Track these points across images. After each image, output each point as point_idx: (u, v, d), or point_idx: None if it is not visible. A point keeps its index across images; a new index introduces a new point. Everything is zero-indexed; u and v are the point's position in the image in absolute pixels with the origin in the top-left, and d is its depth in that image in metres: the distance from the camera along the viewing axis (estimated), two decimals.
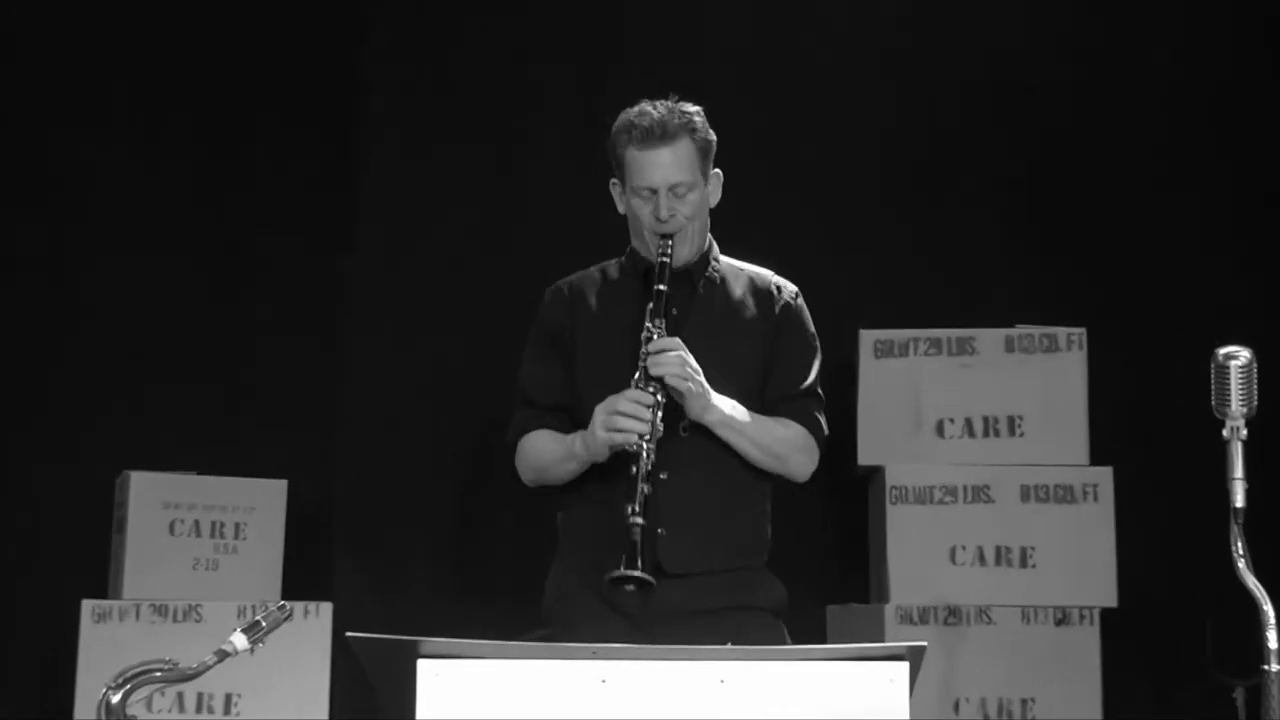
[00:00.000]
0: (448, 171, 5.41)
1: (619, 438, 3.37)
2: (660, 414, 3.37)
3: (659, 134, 3.48)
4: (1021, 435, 4.94)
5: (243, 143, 5.45)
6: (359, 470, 5.31)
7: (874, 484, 5.09)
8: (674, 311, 3.49)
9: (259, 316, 5.42)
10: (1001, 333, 4.99)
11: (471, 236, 5.39)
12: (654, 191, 3.50)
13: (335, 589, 5.10)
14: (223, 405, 5.37)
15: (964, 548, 4.87)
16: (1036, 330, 4.97)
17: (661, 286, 3.46)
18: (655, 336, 3.42)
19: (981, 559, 4.86)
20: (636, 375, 3.41)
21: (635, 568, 3.26)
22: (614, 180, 3.60)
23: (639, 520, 3.29)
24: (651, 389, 3.38)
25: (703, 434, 3.48)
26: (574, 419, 3.57)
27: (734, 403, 3.49)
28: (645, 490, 3.31)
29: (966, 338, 4.99)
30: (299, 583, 5.02)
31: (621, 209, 3.60)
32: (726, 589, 3.49)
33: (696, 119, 3.53)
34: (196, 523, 4.98)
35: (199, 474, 5.05)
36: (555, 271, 3.74)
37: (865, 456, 5.00)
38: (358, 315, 5.39)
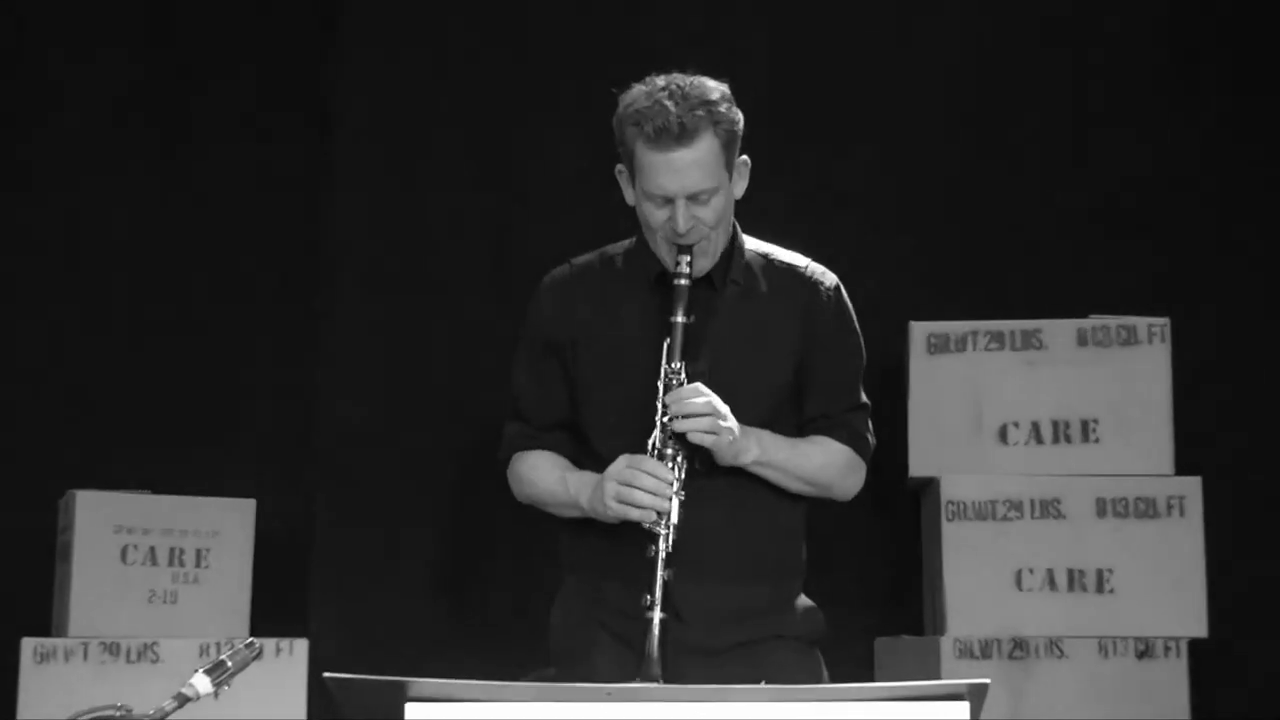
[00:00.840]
0: (430, 154, 5.41)
1: (634, 514, 3.34)
2: (683, 476, 3.34)
3: (676, 134, 3.34)
4: (1096, 441, 4.93)
5: (205, 138, 5.47)
6: (337, 488, 5.29)
7: (927, 498, 5.08)
8: (691, 317, 3.42)
9: (222, 317, 5.42)
10: (1073, 324, 4.97)
11: (461, 229, 5.39)
12: (669, 200, 3.39)
13: (311, 623, 5.09)
14: (181, 415, 5.36)
15: (1031, 571, 4.86)
16: (1113, 321, 4.96)
17: (679, 319, 3.38)
18: (675, 384, 3.37)
19: (1052, 583, 4.85)
20: (654, 436, 3.37)
21: (655, 677, 3.21)
22: (620, 167, 3.49)
23: (659, 614, 3.26)
24: (671, 449, 3.35)
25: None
26: (574, 435, 3.57)
27: (768, 437, 3.47)
28: (666, 577, 3.28)
29: (1033, 330, 4.98)
30: (270, 617, 5.02)
31: (630, 200, 3.51)
32: (756, 616, 3.49)
33: (720, 107, 3.39)
34: (152, 549, 4.98)
35: (155, 493, 5.05)
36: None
37: (917, 467, 4.99)
38: (334, 315, 5.38)
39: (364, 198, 5.42)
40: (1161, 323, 4.94)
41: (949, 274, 5.33)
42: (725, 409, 3.38)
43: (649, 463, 3.35)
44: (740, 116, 3.44)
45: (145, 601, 4.94)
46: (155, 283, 5.41)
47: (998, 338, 4.98)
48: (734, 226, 3.56)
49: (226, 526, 5.02)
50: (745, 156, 3.49)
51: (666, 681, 3.20)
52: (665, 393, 3.36)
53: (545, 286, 3.63)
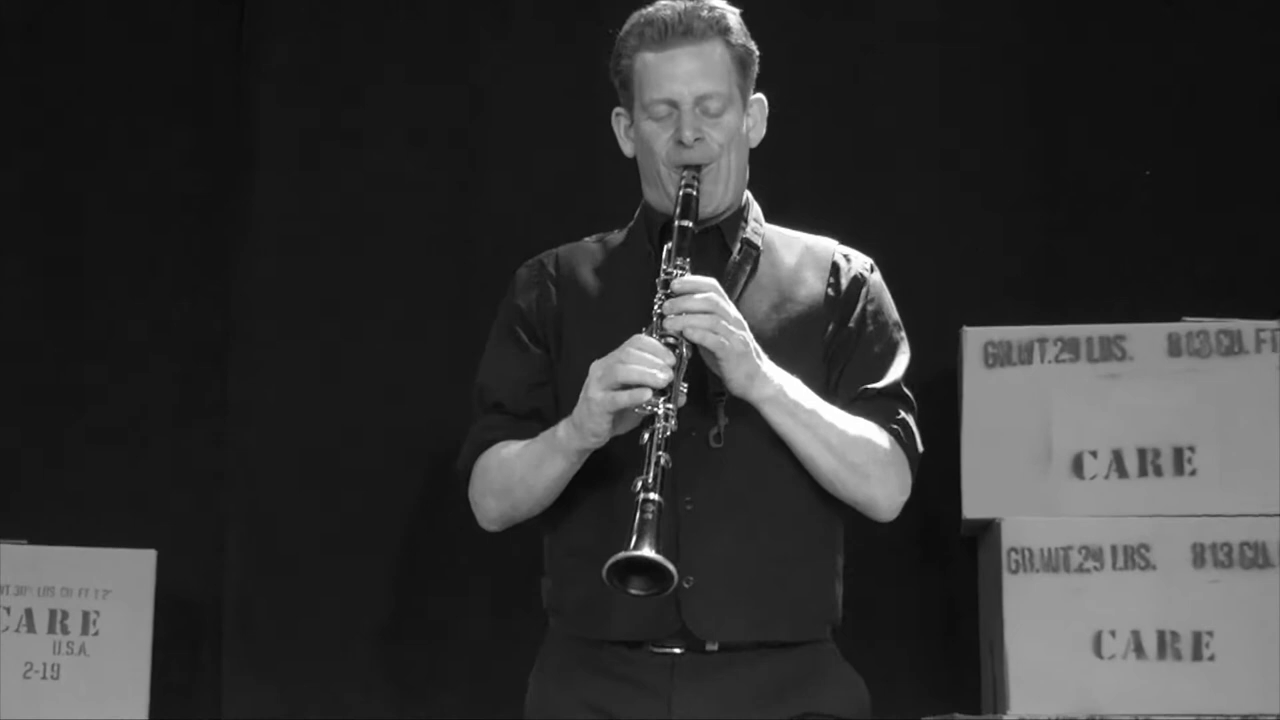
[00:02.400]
0: (360, 145, 5.48)
1: (624, 397, 3.31)
2: (683, 374, 3.34)
3: (681, 30, 3.54)
4: (1193, 474, 4.93)
5: (99, 147, 5.54)
6: (256, 536, 5.32)
7: (985, 545, 5.08)
8: (696, 229, 3.50)
9: (114, 326, 5.48)
10: (1163, 329, 4.97)
11: (396, 233, 5.45)
12: (674, 106, 3.53)
13: (225, 704, 5.14)
14: (64, 447, 5.39)
15: (1113, 634, 4.85)
16: (1213, 325, 4.95)
17: (687, 223, 3.46)
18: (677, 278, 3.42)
19: (1138, 649, 4.85)
20: (648, 329, 3.39)
21: (645, 547, 3.17)
22: (618, 110, 3.65)
23: (653, 496, 3.22)
24: (671, 340, 3.36)
25: (742, 446, 3.47)
26: None
27: (793, 379, 3.47)
28: (663, 460, 3.25)
29: (1114, 337, 4.98)
30: (174, 695, 5.06)
31: (629, 150, 3.66)
32: (781, 685, 3.48)
33: (730, 19, 3.59)
34: (29, 612, 4.99)
35: (31, 543, 5.05)
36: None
37: (973, 507, 4.96)
38: (252, 320, 5.42)
39: (283, 190, 5.50)
40: (1273, 326, 4.93)
41: (1009, 268, 5.36)
42: (738, 316, 3.40)
43: (638, 339, 3.36)
44: (756, 49, 3.63)
45: (20, 677, 4.95)
46: (37, 288, 5.49)
47: (1071, 346, 4.98)
48: (750, 199, 3.70)
49: (121, 584, 5.02)
50: (762, 95, 3.66)
51: (665, 572, 3.17)
52: (663, 290, 3.41)
53: (529, 268, 3.73)
